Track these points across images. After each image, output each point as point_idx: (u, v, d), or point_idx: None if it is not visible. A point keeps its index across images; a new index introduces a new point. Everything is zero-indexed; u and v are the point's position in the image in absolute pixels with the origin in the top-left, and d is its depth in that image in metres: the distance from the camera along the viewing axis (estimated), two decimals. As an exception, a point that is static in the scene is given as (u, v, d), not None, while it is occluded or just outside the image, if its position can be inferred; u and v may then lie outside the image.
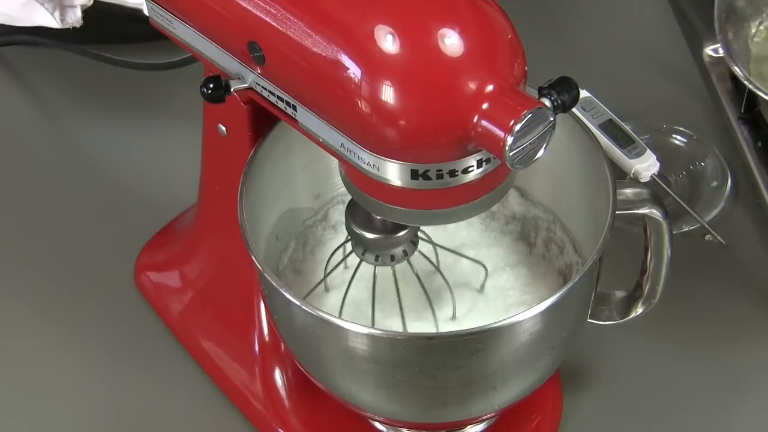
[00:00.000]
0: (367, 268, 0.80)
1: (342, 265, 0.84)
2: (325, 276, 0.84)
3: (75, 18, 0.89)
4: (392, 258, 0.78)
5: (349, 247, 0.80)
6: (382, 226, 0.76)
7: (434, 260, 0.85)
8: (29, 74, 1.22)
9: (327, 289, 0.85)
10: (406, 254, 0.78)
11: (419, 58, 0.64)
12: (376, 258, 0.78)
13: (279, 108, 0.73)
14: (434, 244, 0.85)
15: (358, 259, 0.80)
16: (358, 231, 0.77)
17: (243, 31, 0.72)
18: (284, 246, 0.88)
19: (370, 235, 0.77)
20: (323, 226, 0.90)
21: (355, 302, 0.83)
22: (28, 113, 1.18)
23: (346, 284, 0.82)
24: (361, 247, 0.78)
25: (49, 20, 0.87)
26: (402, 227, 0.76)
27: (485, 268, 0.84)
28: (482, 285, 0.85)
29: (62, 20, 0.88)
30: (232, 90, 0.75)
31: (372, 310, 0.81)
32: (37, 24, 0.87)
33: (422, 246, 0.82)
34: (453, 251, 0.85)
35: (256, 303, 0.90)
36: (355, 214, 0.77)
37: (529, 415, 0.89)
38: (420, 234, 0.83)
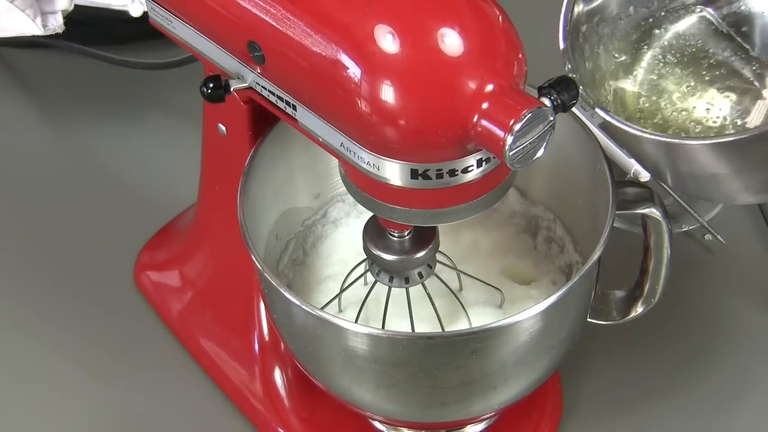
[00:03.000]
0: (383, 288, 0.80)
1: (362, 281, 0.84)
2: (342, 291, 0.84)
3: (57, 24, 0.89)
4: (407, 280, 0.78)
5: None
6: (399, 247, 0.77)
7: (456, 283, 0.85)
8: (29, 74, 1.22)
9: (341, 309, 0.85)
10: (421, 276, 0.79)
11: (419, 57, 0.64)
12: (391, 279, 0.78)
13: (279, 108, 0.73)
14: (457, 270, 0.84)
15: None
16: (375, 252, 0.77)
17: (243, 30, 0.72)
18: (284, 246, 0.88)
19: (386, 257, 0.77)
20: (322, 223, 0.90)
21: (366, 321, 0.83)
22: (29, 113, 1.18)
23: (361, 302, 0.82)
24: (377, 267, 0.79)
25: (32, 27, 0.87)
26: (419, 249, 0.77)
27: (501, 293, 0.84)
28: (501, 305, 0.85)
29: (44, 26, 0.88)
30: (231, 89, 0.75)
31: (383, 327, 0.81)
32: (19, 33, 0.87)
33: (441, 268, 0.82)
34: (473, 276, 0.85)
35: (256, 303, 0.90)
36: (372, 234, 0.77)
37: (529, 414, 0.89)
38: (443, 258, 0.83)
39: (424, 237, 0.77)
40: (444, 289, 0.82)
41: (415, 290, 0.80)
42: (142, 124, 1.18)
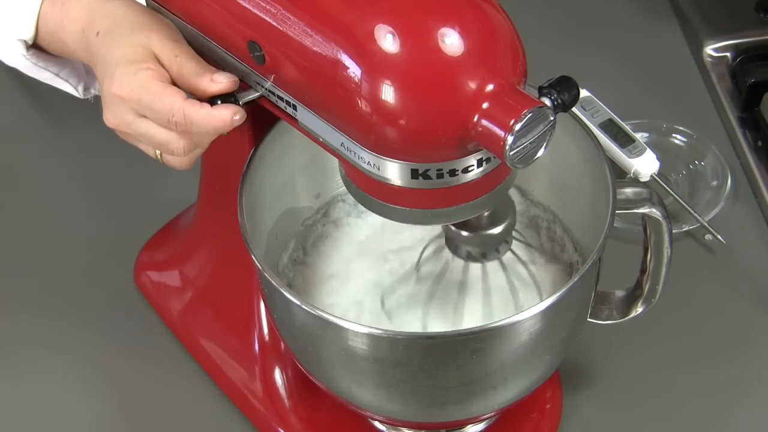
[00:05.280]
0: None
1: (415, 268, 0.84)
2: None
3: (99, 88, 0.90)
4: (484, 255, 0.78)
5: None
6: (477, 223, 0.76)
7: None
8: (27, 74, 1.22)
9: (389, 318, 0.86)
10: (498, 252, 0.78)
11: (419, 57, 0.64)
12: (468, 255, 0.78)
13: (279, 107, 0.73)
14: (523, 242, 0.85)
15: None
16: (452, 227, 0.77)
17: (243, 30, 0.72)
18: (284, 245, 0.88)
19: (464, 233, 0.76)
20: (323, 223, 0.91)
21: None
22: (28, 113, 1.18)
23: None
24: (453, 242, 0.78)
25: (72, 91, 0.89)
26: (498, 224, 0.76)
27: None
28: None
29: (85, 91, 0.89)
30: (240, 103, 0.75)
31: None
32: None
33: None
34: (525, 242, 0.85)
35: (256, 303, 0.90)
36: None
37: (528, 414, 0.89)
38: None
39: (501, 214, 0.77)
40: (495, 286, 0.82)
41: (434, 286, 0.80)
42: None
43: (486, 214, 0.75)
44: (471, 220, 0.75)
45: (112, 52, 0.76)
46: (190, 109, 0.73)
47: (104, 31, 0.78)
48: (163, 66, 0.75)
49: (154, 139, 0.76)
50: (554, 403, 0.91)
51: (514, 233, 0.80)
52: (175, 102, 0.73)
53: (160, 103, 0.73)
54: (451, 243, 0.78)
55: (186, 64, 0.75)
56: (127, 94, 0.74)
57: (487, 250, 0.78)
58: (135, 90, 0.74)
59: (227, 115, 0.73)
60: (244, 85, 0.75)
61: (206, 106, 0.73)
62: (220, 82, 0.74)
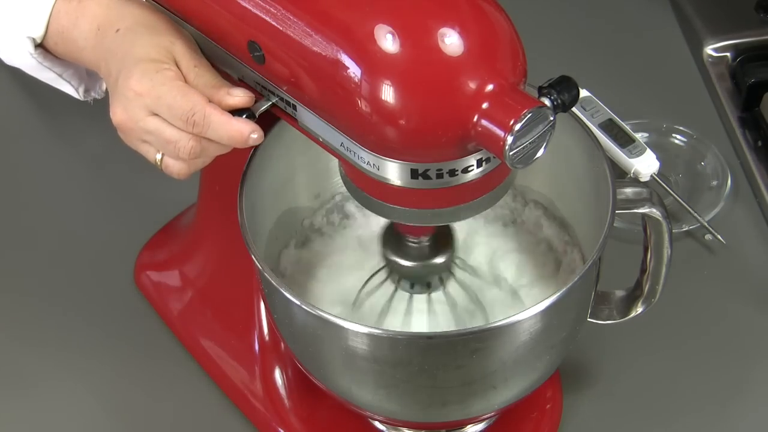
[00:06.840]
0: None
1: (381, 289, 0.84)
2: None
3: (98, 92, 0.90)
4: (428, 285, 0.79)
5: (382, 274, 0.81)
6: (419, 253, 0.77)
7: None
8: (29, 74, 1.22)
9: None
10: (442, 281, 0.79)
11: (419, 57, 0.64)
12: (412, 286, 0.79)
13: (279, 107, 0.73)
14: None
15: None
16: (393, 258, 0.78)
17: (243, 30, 0.72)
18: (284, 245, 0.88)
19: (406, 263, 0.77)
20: (323, 223, 0.91)
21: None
22: (29, 114, 1.18)
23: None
24: (397, 274, 0.79)
25: (72, 92, 0.89)
26: (438, 254, 0.77)
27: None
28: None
29: (85, 93, 0.89)
30: (257, 115, 0.75)
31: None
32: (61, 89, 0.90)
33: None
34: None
35: (256, 303, 0.90)
36: (393, 242, 0.78)
37: (528, 414, 0.89)
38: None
39: (443, 242, 0.78)
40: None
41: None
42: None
43: (427, 244, 0.77)
44: (413, 251, 0.77)
45: (135, 49, 0.76)
46: (212, 111, 0.73)
47: (126, 29, 0.78)
48: (181, 72, 0.75)
49: (163, 135, 0.75)
50: (554, 403, 0.91)
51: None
52: (197, 101, 0.73)
53: (183, 100, 0.73)
54: (394, 276, 0.80)
55: (204, 76, 0.75)
56: (146, 90, 0.74)
57: (432, 281, 0.79)
58: (156, 86, 0.74)
59: (245, 129, 0.73)
60: (258, 97, 0.75)
61: (227, 113, 0.73)
62: (237, 95, 0.74)
